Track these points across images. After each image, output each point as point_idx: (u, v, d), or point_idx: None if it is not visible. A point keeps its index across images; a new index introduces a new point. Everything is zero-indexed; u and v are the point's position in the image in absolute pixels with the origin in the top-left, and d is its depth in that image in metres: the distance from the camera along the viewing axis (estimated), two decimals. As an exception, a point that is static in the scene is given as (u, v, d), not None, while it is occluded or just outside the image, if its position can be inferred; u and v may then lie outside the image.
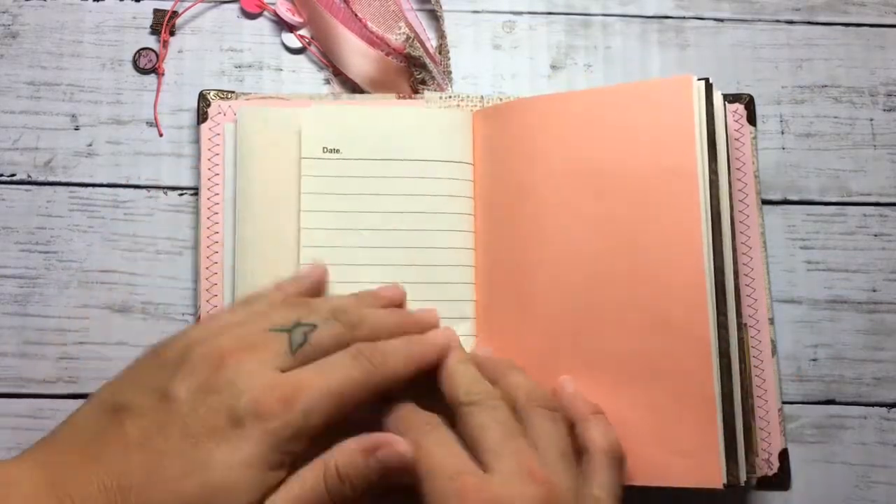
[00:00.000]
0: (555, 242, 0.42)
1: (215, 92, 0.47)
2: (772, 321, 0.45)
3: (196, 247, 0.46)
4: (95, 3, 0.50)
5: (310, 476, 0.32)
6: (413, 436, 0.34)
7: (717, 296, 0.39)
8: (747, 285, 0.45)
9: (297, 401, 0.31)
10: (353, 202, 0.44)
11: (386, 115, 0.46)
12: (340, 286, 0.42)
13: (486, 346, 0.43)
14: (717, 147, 0.41)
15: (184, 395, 0.31)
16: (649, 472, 0.39)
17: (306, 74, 0.49)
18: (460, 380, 0.37)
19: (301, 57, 0.50)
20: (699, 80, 0.41)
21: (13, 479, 0.30)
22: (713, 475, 0.38)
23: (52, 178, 0.47)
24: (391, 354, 0.35)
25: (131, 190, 0.47)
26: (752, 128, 0.48)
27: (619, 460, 0.37)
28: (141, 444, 0.30)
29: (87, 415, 0.32)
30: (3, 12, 0.49)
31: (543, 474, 0.33)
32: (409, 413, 0.36)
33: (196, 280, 0.45)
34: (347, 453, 0.32)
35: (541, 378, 0.40)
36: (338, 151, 0.45)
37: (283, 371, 0.33)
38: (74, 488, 0.29)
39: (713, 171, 0.40)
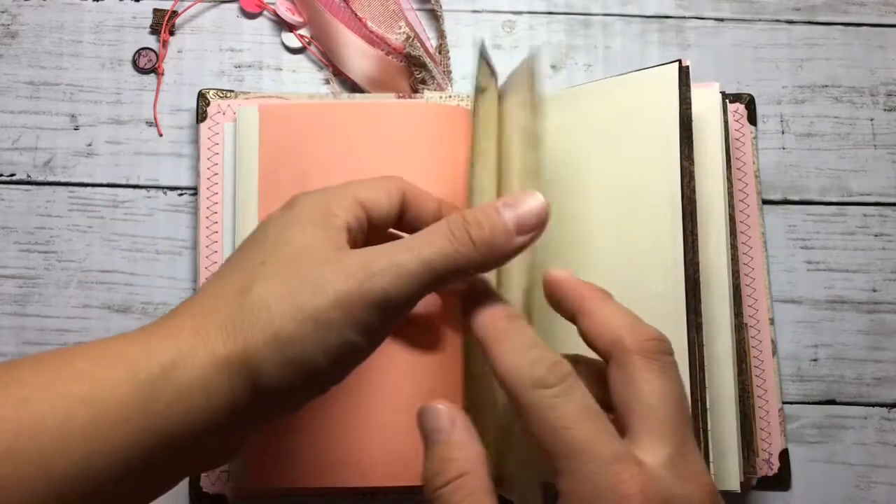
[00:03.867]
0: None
1: (215, 91, 0.47)
2: (772, 321, 0.45)
3: (195, 247, 0.46)
4: (95, 2, 0.50)
5: (434, 230, 0.30)
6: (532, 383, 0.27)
7: (687, 294, 0.37)
8: (748, 285, 0.45)
9: None
10: None
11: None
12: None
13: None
14: (694, 135, 0.39)
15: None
16: None
17: (306, 74, 0.49)
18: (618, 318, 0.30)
19: (301, 57, 0.50)
20: (673, 63, 0.40)
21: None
22: None
23: (51, 178, 0.47)
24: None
25: (131, 190, 0.47)
26: (752, 128, 0.48)
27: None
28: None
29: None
30: (3, 12, 0.49)
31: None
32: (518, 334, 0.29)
33: (196, 280, 0.45)
34: (473, 209, 0.30)
35: None
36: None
37: None
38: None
39: (686, 158, 0.39)
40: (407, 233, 0.34)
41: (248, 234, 0.32)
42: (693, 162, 0.39)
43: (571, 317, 0.31)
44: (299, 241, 0.30)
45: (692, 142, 0.39)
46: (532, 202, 0.30)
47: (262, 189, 0.44)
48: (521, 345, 0.29)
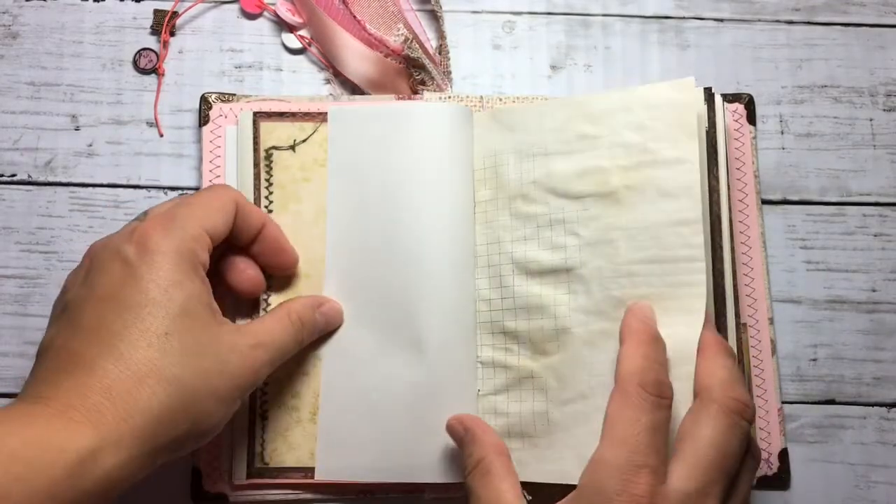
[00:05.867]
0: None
1: (216, 95, 0.47)
2: (772, 321, 0.45)
3: (196, 247, 0.46)
4: (95, 3, 0.50)
5: (275, 317, 0.39)
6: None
7: (717, 300, 0.39)
8: (747, 285, 0.46)
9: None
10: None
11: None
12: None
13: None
14: (718, 153, 0.41)
15: None
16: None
17: (306, 75, 0.50)
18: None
19: (301, 57, 0.50)
20: (704, 87, 0.41)
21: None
22: None
23: (52, 179, 0.47)
24: None
25: (131, 190, 0.47)
26: (751, 128, 0.48)
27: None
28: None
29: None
30: (4, 13, 0.49)
31: None
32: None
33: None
34: (301, 304, 0.40)
35: None
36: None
37: None
38: None
39: (714, 178, 0.40)
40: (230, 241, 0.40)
41: (118, 279, 0.35)
42: (719, 180, 0.41)
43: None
44: (186, 307, 0.35)
45: (718, 161, 0.41)
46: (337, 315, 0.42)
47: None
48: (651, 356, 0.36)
